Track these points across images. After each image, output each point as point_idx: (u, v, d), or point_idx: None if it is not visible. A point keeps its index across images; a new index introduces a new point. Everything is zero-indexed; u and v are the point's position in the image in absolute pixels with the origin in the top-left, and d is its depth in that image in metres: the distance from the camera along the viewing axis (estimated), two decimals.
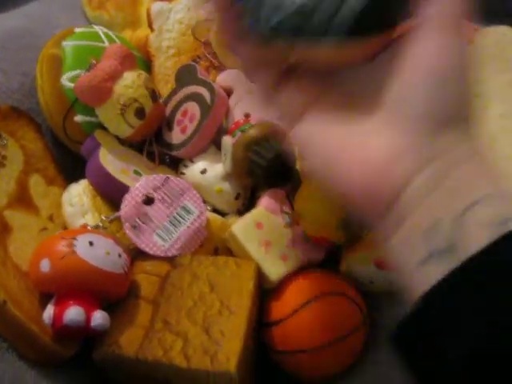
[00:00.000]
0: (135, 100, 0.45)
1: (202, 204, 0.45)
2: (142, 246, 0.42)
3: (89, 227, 0.41)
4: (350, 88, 0.28)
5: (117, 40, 0.51)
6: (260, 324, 0.43)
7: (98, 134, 0.47)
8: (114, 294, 0.40)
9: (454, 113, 0.26)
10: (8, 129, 0.45)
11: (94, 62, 0.46)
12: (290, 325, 0.41)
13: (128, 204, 0.43)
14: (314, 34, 0.25)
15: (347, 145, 0.27)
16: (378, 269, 0.43)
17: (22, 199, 0.43)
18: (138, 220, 0.43)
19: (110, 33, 0.52)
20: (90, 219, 0.43)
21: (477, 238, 0.23)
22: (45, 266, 0.37)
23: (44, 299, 0.38)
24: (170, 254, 0.43)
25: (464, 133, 0.26)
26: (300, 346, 0.41)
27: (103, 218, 0.43)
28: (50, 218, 0.44)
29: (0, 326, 0.37)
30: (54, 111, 0.48)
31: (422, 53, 0.26)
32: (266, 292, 0.43)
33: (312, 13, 0.25)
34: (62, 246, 0.37)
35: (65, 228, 0.44)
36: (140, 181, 0.44)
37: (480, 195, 0.24)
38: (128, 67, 0.46)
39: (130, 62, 0.46)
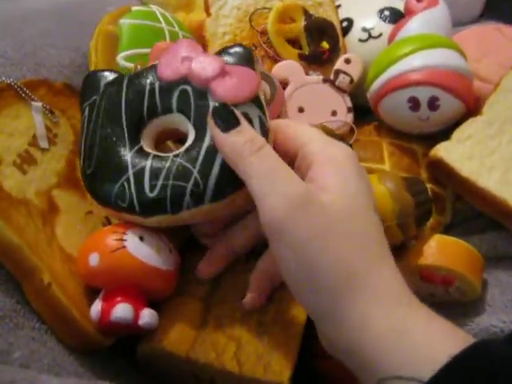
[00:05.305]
0: None
1: None
2: None
3: None
4: None
5: (173, 21, 0.50)
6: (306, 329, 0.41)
7: None
8: (163, 291, 0.38)
9: None
10: (59, 106, 0.44)
11: (139, 67, 0.41)
12: None
13: None
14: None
15: None
16: (423, 281, 0.42)
17: (71, 180, 0.41)
18: None
19: (167, 14, 0.50)
20: None
21: None
22: (94, 259, 0.36)
23: (88, 287, 0.37)
24: None
25: None
26: None
27: None
28: None
29: (42, 308, 0.37)
30: None
31: None
32: None
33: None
34: (111, 240, 0.36)
35: None
36: None
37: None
38: None
39: None
